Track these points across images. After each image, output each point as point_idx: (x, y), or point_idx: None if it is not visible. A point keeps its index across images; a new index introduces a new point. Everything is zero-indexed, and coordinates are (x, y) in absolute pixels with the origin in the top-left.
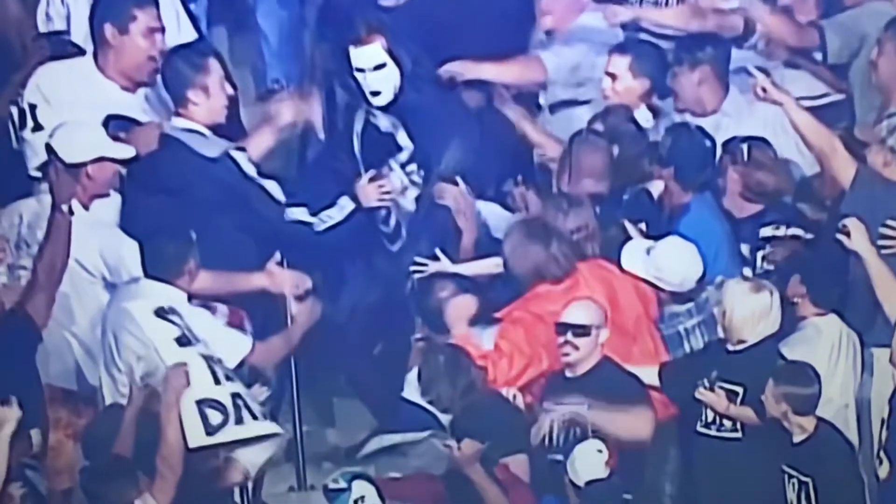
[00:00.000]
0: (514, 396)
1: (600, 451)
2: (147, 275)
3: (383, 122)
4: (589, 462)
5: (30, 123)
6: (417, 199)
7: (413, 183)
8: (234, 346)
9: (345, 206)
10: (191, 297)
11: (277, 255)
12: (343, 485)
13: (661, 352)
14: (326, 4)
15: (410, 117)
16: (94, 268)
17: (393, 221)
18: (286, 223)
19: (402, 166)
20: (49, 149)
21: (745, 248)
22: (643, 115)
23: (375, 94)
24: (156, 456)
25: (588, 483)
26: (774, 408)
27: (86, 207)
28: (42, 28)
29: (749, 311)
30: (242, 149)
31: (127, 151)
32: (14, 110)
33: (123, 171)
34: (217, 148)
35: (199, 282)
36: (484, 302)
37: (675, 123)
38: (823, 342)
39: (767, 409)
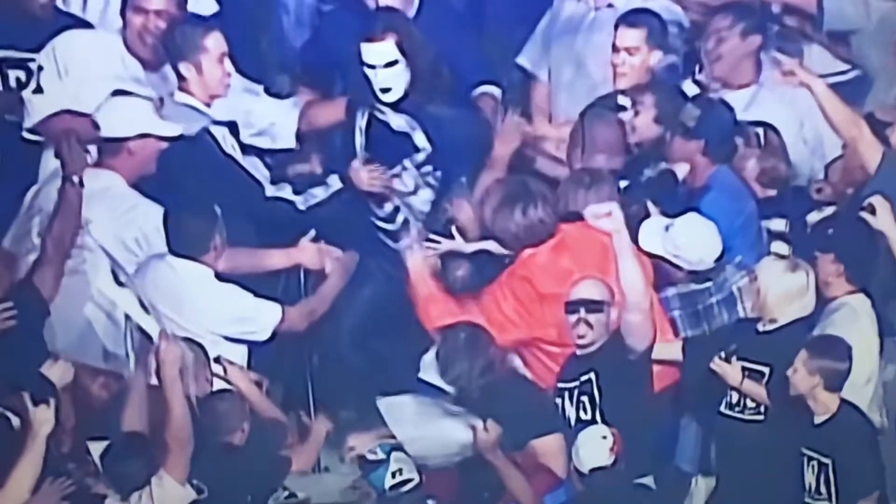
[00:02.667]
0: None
1: (605, 436)
2: (172, 251)
3: (396, 120)
4: (593, 448)
5: (33, 84)
6: (433, 202)
7: (427, 185)
8: (266, 316)
9: (331, 184)
10: (218, 275)
11: (312, 233)
12: (381, 456)
13: (666, 328)
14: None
15: (428, 122)
16: (134, 243)
17: (400, 219)
18: (267, 205)
19: (418, 167)
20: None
21: (779, 223)
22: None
23: (385, 90)
24: (165, 433)
25: (592, 470)
26: (805, 381)
27: (130, 184)
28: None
29: (785, 290)
30: (232, 124)
31: (172, 129)
32: (21, 74)
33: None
34: (197, 125)
35: (231, 261)
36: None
37: (696, 95)
38: (862, 322)
39: (795, 384)
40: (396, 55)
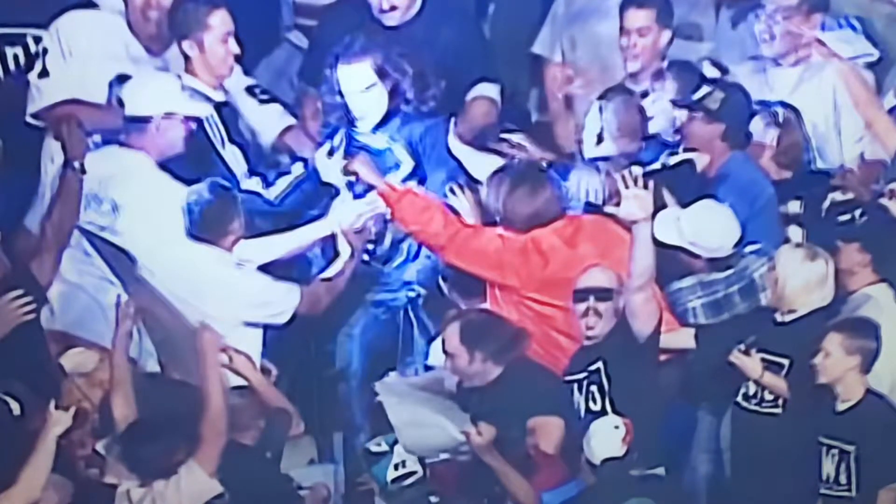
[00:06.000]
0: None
1: (617, 427)
2: (190, 235)
3: (376, 141)
4: (605, 439)
5: (38, 67)
6: None
7: None
8: (286, 298)
9: (294, 171)
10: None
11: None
12: (385, 448)
13: (671, 318)
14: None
15: (410, 136)
16: (163, 226)
17: (388, 241)
18: (241, 197)
19: (401, 182)
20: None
21: (794, 205)
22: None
23: (362, 116)
24: (200, 422)
25: (604, 461)
26: (841, 363)
27: (159, 165)
28: None
29: (804, 279)
30: (224, 109)
31: (202, 109)
32: (19, 51)
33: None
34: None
35: (267, 252)
36: None
37: (712, 78)
38: (888, 312)
39: (826, 369)
40: (373, 78)
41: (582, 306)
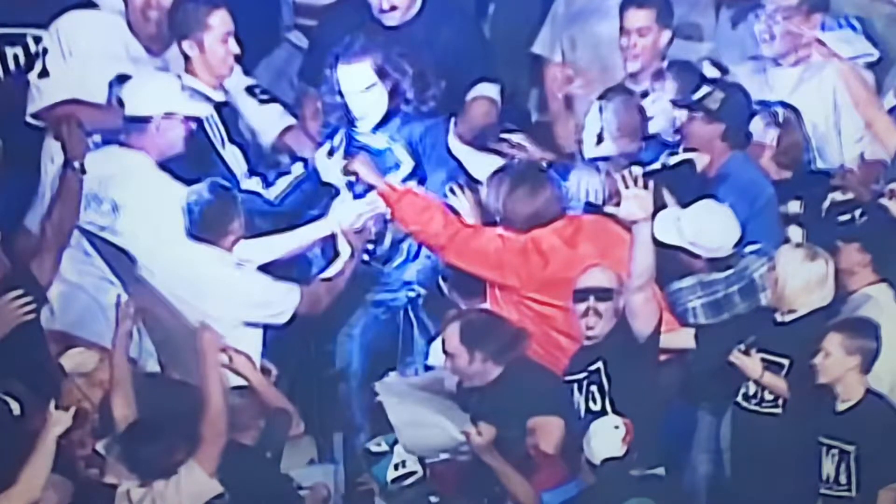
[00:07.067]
0: None
1: (617, 427)
2: (190, 235)
3: (376, 141)
4: (605, 439)
5: (38, 67)
6: None
7: None
8: (286, 299)
9: (294, 171)
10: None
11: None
12: (385, 448)
13: (671, 318)
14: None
15: (410, 136)
16: (163, 227)
17: (388, 241)
18: (241, 197)
19: (401, 182)
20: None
21: (794, 205)
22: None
23: (363, 117)
24: (200, 422)
25: (604, 461)
26: (840, 364)
27: (159, 165)
28: None
29: (804, 279)
30: (224, 109)
31: (202, 109)
32: (19, 51)
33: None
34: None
35: (267, 252)
36: None
37: (712, 78)
38: (888, 312)
39: (826, 369)
40: (373, 78)
41: (582, 306)
